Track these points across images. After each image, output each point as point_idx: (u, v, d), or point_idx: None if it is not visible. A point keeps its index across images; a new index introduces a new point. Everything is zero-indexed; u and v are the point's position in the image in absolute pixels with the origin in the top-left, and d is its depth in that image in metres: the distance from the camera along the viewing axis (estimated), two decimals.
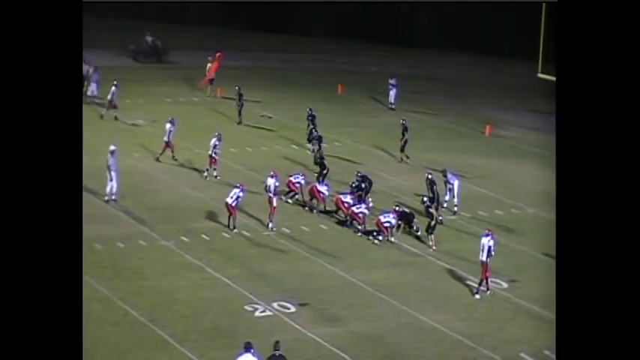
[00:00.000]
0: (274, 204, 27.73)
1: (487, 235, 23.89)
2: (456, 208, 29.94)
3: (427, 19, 59.58)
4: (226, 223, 27.61)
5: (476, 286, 24.09)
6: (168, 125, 33.60)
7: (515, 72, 50.34)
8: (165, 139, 33.53)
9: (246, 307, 22.69)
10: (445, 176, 30.33)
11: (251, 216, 28.59)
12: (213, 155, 32.19)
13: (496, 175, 34.70)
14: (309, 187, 29.78)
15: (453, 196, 30.05)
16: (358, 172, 30.44)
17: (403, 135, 35.18)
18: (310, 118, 37.24)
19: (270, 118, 39.93)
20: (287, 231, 27.94)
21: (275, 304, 22.78)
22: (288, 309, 22.63)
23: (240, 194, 27.61)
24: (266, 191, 27.94)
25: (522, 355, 20.72)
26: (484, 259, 23.69)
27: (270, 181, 27.82)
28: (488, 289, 24.05)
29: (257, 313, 22.39)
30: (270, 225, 27.76)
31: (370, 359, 20.40)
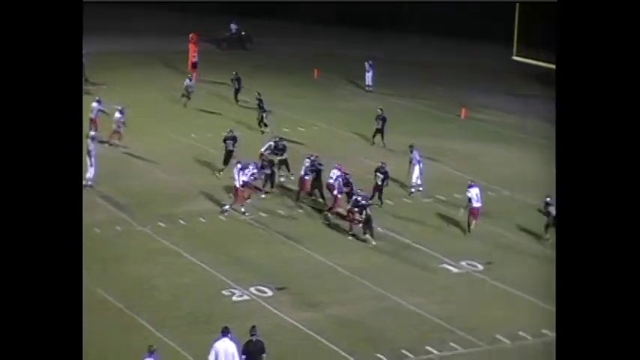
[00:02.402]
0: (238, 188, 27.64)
1: (474, 186, 27.05)
2: (420, 188, 30.09)
3: (404, 3, 59.51)
4: (220, 207, 27.79)
5: (449, 268, 24.32)
6: (117, 115, 33.52)
7: (491, 54, 50.44)
8: (114, 127, 33.31)
9: (223, 292, 22.72)
10: (411, 152, 30.47)
11: (214, 201, 28.59)
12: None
13: (472, 158, 34.82)
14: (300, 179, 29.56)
15: (421, 173, 30.18)
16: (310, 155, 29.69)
17: (383, 124, 35.13)
18: (258, 102, 37.13)
19: (266, 125, 38.35)
20: (264, 215, 27.97)
21: (252, 289, 22.83)
22: (266, 293, 22.68)
23: (255, 171, 28.06)
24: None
25: (498, 336, 20.89)
26: (478, 205, 26.85)
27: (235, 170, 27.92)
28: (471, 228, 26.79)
29: (234, 298, 22.44)
30: (227, 207, 27.67)
31: (348, 343, 20.49)
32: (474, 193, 27.07)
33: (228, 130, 32.20)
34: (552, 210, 26.33)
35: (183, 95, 40.31)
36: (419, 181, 30.36)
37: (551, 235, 26.44)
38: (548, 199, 26.61)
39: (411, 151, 30.67)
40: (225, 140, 31.53)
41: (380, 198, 28.97)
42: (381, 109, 36.14)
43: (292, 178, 30.47)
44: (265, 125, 36.55)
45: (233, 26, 54.64)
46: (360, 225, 26.34)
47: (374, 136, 35.67)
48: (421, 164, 30.44)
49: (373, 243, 25.97)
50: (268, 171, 29.44)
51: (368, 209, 26.23)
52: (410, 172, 30.42)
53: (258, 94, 37.63)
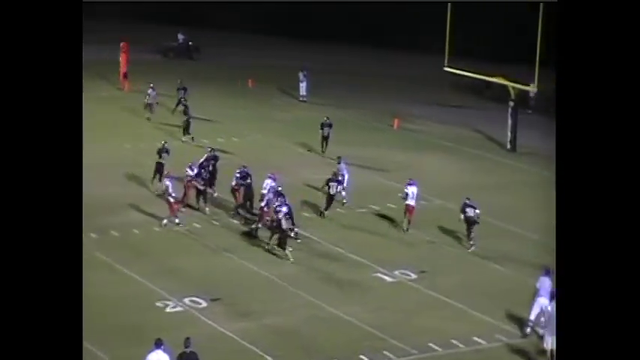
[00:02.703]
0: (172, 200, 27.51)
1: (412, 184, 28.05)
2: (345, 200, 30.00)
3: (336, 13, 59.93)
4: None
5: (381, 275, 24.55)
6: None
7: (423, 65, 51.04)
8: None
9: (157, 303, 22.61)
10: (339, 164, 30.50)
11: (150, 213, 28.45)
12: None
13: (405, 167, 35.12)
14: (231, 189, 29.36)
15: (343, 188, 30.13)
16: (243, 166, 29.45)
17: (329, 132, 35.19)
18: (184, 108, 37.25)
19: (189, 133, 37.39)
20: (198, 226, 27.90)
21: (186, 300, 22.75)
22: (200, 304, 22.62)
23: (192, 174, 28.31)
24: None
25: (431, 344, 21.13)
26: (413, 203, 27.88)
27: (167, 183, 27.71)
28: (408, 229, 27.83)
29: (168, 309, 22.34)
30: (165, 221, 27.51)
31: (282, 352, 20.54)
32: (410, 190, 28.03)
33: (163, 142, 31.96)
34: (469, 211, 26.99)
35: (146, 107, 39.70)
36: (344, 193, 30.27)
37: (474, 242, 26.91)
38: (467, 200, 27.24)
39: (339, 162, 30.71)
40: (159, 152, 31.05)
41: (328, 208, 28.94)
42: (327, 117, 36.22)
43: (215, 195, 30.00)
44: (188, 133, 36.48)
45: (180, 36, 54.97)
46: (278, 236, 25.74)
47: (322, 145, 35.57)
48: (347, 176, 30.44)
49: (291, 260, 25.45)
50: (201, 187, 28.85)
51: (283, 221, 25.65)
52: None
53: (185, 100, 37.61)
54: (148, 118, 39.57)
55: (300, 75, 45.47)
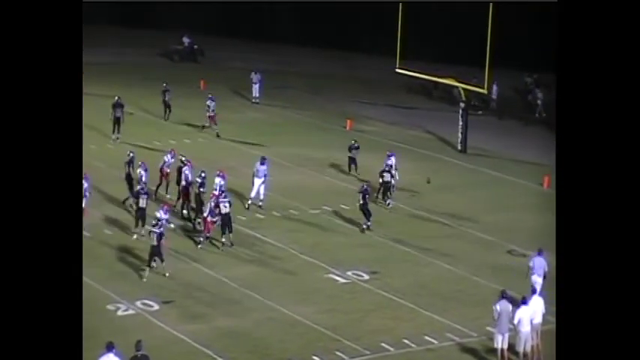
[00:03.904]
0: (83, 205, 26.76)
1: (392, 156, 30.90)
2: (260, 203, 29.58)
3: (288, 15, 60.00)
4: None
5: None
6: None
7: (375, 67, 51.27)
8: None
9: (108, 306, 22.50)
10: (262, 164, 29.78)
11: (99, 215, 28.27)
12: None
13: (357, 168, 35.28)
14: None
15: (263, 189, 29.70)
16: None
17: (356, 154, 34.09)
18: (116, 106, 36.80)
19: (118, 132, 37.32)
20: (149, 228, 27.69)
21: (138, 303, 22.66)
22: (152, 307, 22.55)
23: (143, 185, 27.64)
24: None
25: (383, 344, 21.27)
26: (389, 179, 30.16)
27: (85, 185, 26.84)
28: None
29: (119, 312, 22.24)
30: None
31: (235, 354, 20.56)
32: (391, 161, 31.02)
33: (128, 152, 30.99)
34: (386, 176, 30.06)
35: (210, 121, 38.10)
36: (261, 196, 29.57)
37: (390, 202, 29.56)
38: (385, 167, 30.30)
39: (263, 163, 30.00)
40: (128, 163, 30.04)
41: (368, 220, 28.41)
42: (355, 140, 35.07)
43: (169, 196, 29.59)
44: (117, 132, 36.34)
45: (186, 39, 55.21)
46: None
47: (349, 167, 34.11)
48: (267, 178, 29.77)
49: (143, 279, 24.34)
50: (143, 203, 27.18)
51: (154, 236, 24.48)
52: (253, 184, 29.67)
53: (119, 97, 37.20)
54: (218, 135, 38.11)
55: (254, 76, 45.44)
